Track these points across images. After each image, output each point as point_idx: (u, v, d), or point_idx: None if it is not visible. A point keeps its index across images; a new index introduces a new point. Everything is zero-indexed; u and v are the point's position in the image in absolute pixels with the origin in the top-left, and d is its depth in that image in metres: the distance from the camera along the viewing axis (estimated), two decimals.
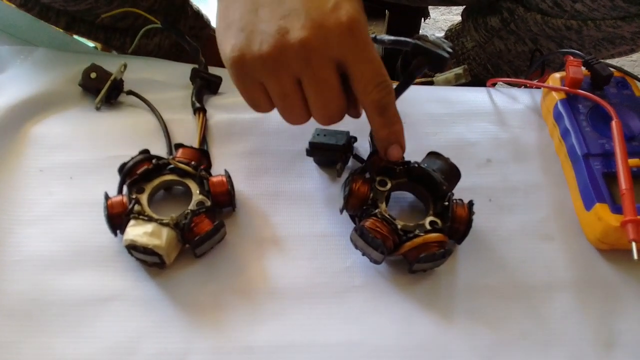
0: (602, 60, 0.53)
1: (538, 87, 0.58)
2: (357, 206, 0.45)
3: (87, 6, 0.62)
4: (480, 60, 0.81)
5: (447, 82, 0.63)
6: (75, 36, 0.71)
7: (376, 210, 0.44)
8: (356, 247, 0.45)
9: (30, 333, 0.41)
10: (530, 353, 0.42)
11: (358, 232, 0.43)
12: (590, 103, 0.51)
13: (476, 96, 0.59)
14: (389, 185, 0.46)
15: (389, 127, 0.43)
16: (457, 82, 0.62)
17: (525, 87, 0.61)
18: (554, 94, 0.54)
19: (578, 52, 0.54)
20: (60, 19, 0.65)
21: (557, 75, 0.54)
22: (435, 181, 0.46)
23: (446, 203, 0.45)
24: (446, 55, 0.43)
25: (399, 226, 0.43)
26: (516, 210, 0.49)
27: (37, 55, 0.59)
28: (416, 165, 0.47)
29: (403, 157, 0.46)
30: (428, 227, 0.44)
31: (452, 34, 0.85)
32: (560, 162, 0.53)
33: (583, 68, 0.53)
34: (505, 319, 0.43)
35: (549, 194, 0.51)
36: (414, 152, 0.48)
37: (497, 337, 0.42)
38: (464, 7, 0.83)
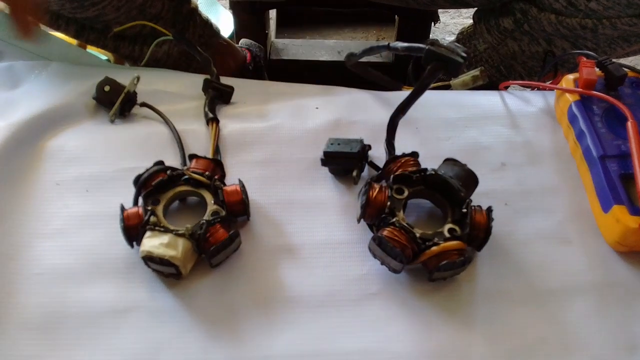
0: (615, 61, 0.52)
1: (551, 89, 0.58)
2: (374, 215, 0.45)
3: (94, 13, 0.63)
4: (493, 62, 0.81)
5: (464, 85, 0.62)
6: (88, 48, 0.72)
7: (394, 219, 0.44)
8: (375, 256, 0.44)
9: (49, 346, 0.41)
10: (551, 358, 0.41)
11: (376, 242, 0.43)
12: (605, 104, 0.51)
13: (489, 99, 0.59)
14: (406, 193, 0.46)
15: None
16: (475, 84, 0.62)
17: (538, 89, 0.60)
18: (567, 95, 0.53)
19: (591, 53, 0.54)
20: (70, 27, 0.66)
21: (571, 76, 0.54)
22: (452, 188, 0.45)
23: (464, 210, 0.44)
24: (460, 60, 0.42)
25: (418, 234, 0.43)
26: (533, 214, 0.49)
27: (51, 69, 0.60)
28: (433, 172, 0.46)
29: (419, 164, 0.46)
30: (447, 234, 0.43)
31: (464, 37, 0.85)
32: (576, 164, 0.52)
33: (597, 69, 0.52)
34: (525, 324, 0.43)
35: (566, 196, 0.50)
36: (428, 157, 0.48)
37: (517, 342, 0.42)
38: (475, 9, 0.82)
